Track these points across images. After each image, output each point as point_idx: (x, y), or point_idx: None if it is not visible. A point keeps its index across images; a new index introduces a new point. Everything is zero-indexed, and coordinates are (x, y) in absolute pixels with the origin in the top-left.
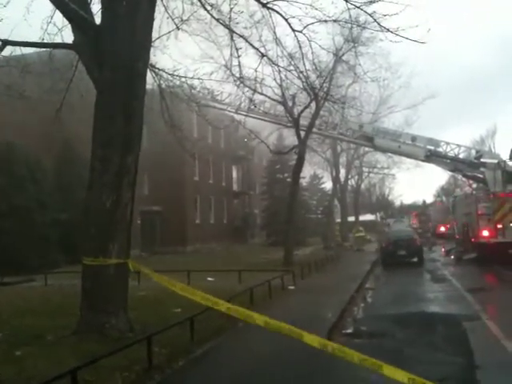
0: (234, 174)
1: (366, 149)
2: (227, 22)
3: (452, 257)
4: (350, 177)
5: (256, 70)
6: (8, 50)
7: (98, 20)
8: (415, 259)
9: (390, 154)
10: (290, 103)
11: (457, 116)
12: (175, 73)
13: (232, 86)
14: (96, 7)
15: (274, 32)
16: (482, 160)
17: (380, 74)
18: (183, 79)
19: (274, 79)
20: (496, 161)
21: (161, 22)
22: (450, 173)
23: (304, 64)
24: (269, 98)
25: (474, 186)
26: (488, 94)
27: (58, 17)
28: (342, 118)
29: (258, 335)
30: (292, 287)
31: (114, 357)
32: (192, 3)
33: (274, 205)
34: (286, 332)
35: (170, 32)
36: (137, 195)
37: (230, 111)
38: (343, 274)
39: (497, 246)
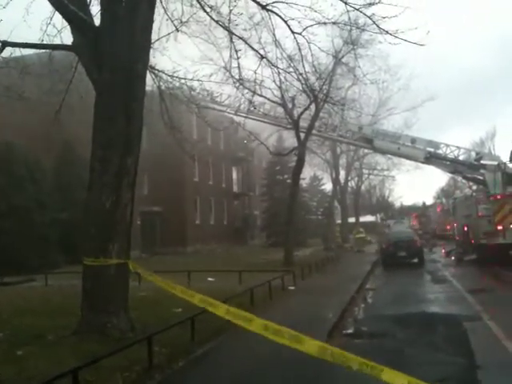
0: (234, 176)
1: (366, 150)
2: (227, 24)
3: (452, 258)
4: (349, 178)
5: (255, 72)
6: (7, 52)
7: (97, 21)
8: (415, 260)
9: (389, 156)
10: (289, 105)
11: (456, 118)
12: (175, 74)
13: (231, 88)
14: (95, 9)
15: (274, 34)
16: (481, 162)
17: (379, 76)
18: (183, 81)
19: (274, 81)
20: (496, 163)
21: (160, 24)
22: (450, 174)
23: (303, 66)
24: (268, 99)
25: (474, 187)
26: (487, 96)
27: (58, 18)
28: (341, 119)
29: (259, 335)
30: (292, 288)
31: (115, 357)
32: (191, 5)
33: (273, 206)
34: (285, 342)
35: (169, 34)
36: (137, 196)
37: (229, 113)
38: (343, 275)
39: (497, 248)
